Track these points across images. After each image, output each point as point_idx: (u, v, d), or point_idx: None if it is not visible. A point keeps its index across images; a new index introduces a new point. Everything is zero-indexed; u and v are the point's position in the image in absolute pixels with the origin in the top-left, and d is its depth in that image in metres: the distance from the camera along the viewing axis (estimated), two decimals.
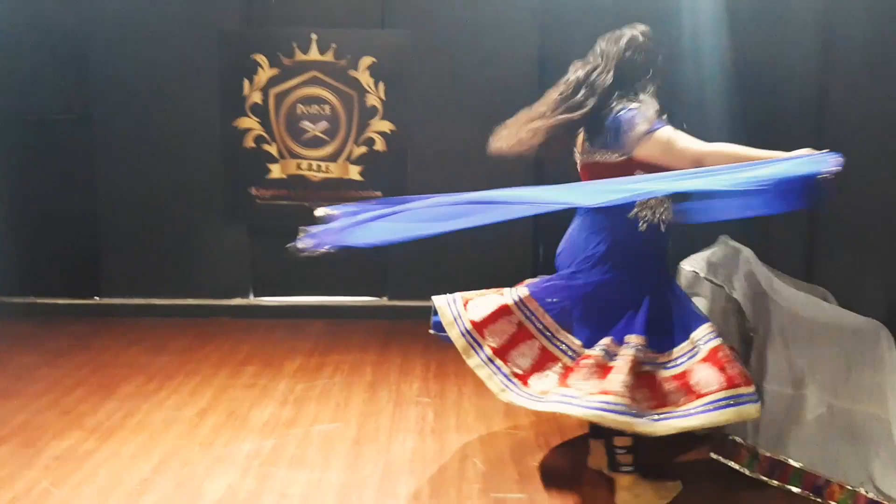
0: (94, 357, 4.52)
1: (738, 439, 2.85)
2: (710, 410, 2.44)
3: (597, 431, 2.95)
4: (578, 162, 2.89)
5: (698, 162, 2.50)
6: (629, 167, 2.64)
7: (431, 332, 2.92)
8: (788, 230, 5.10)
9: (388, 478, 3.03)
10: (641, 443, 2.71)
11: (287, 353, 4.65)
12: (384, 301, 5.63)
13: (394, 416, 3.68)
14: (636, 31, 2.79)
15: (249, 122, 5.37)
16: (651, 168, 2.60)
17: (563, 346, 2.73)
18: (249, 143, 5.39)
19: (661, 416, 2.48)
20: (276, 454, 3.23)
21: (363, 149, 5.40)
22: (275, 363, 4.46)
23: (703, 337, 2.60)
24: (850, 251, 5.09)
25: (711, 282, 3.03)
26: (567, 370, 2.67)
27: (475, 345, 2.76)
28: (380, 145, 5.40)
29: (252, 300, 5.62)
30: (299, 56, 5.30)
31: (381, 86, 5.33)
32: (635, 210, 2.68)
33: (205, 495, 2.86)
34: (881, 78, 4.83)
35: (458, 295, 2.91)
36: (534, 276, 3.02)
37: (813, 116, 4.78)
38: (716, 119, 5.08)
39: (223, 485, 2.94)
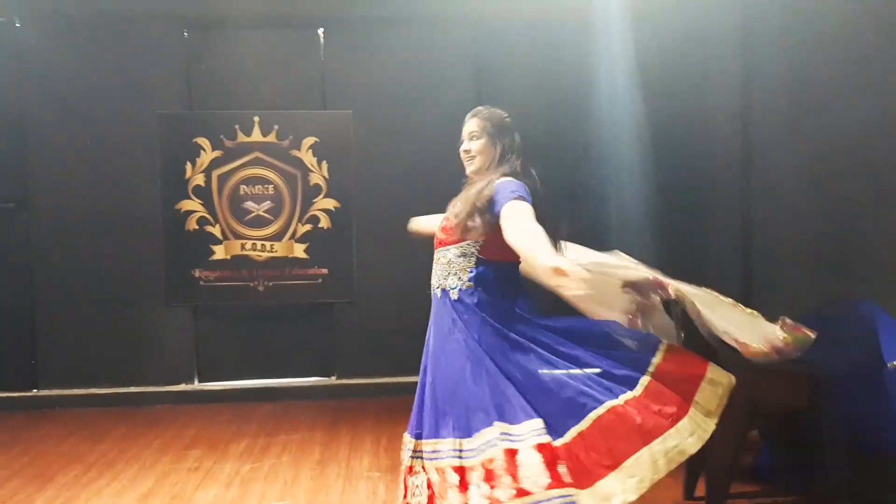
0: (29, 448, 4.34)
1: None
2: None
3: None
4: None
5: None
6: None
7: None
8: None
9: None
10: None
11: (233, 435, 4.53)
12: (332, 380, 5.55)
13: (344, 492, 3.60)
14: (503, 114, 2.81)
15: (192, 205, 5.36)
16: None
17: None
18: (192, 225, 5.37)
19: None
20: None
21: (308, 227, 5.43)
22: (220, 446, 4.33)
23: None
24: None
25: None
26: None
27: None
28: (325, 223, 5.43)
29: (197, 385, 5.49)
30: (242, 138, 5.37)
31: (325, 164, 5.41)
32: None
33: None
34: (803, 135, 5.06)
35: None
36: None
37: (738, 178, 4.95)
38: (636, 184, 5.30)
39: None
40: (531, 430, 2.34)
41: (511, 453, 2.31)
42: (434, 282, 2.64)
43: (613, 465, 2.35)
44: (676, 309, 2.80)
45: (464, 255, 2.56)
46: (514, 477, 2.29)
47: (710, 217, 5.22)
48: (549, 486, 2.28)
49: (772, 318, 2.58)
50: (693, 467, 3.26)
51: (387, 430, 4.52)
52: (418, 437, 2.53)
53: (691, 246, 5.34)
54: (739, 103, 4.83)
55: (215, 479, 3.79)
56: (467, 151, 2.73)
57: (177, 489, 3.66)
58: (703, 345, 2.69)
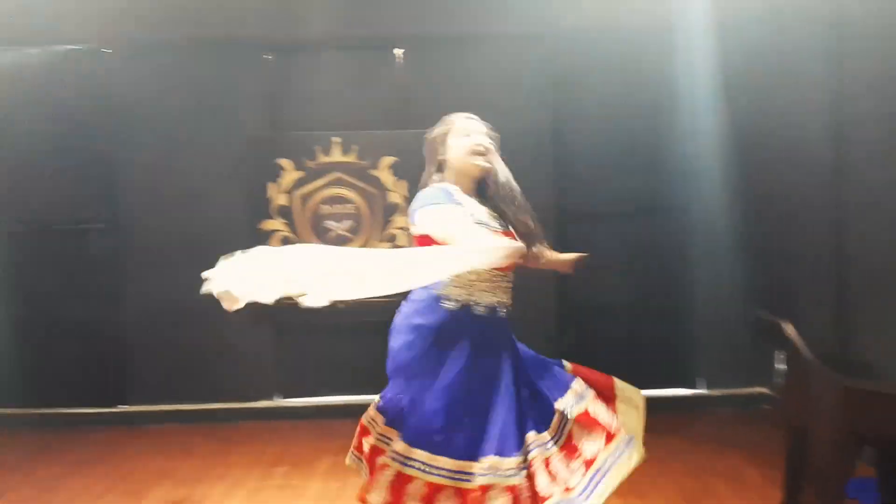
0: (120, 464, 4.44)
1: None
2: None
3: None
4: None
5: None
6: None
7: None
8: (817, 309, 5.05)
9: None
10: None
11: (317, 452, 4.57)
12: None
13: None
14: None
15: (275, 224, 5.45)
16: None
17: None
18: (275, 243, 5.44)
19: None
20: None
21: (387, 244, 5.45)
22: (305, 464, 4.37)
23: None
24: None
25: None
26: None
27: None
28: (402, 241, 5.45)
29: (278, 402, 5.55)
30: (323, 158, 5.44)
31: (403, 183, 5.43)
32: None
33: None
34: None
35: None
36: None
37: (831, 191, 4.78)
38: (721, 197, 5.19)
39: None
40: None
41: None
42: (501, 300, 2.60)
43: None
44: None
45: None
46: None
47: (801, 231, 5.05)
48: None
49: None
50: None
51: None
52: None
53: (780, 262, 5.18)
54: (832, 114, 4.67)
55: (304, 497, 3.80)
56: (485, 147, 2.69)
57: None
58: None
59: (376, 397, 2.79)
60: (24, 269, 5.44)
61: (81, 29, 5.37)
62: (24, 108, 5.41)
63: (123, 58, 5.43)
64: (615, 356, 5.49)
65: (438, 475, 2.44)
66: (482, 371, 2.53)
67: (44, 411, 5.40)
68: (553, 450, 2.49)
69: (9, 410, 5.36)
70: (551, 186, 5.48)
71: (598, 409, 2.56)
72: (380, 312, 5.39)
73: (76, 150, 5.44)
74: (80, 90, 5.44)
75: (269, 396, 5.56)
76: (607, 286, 5.50)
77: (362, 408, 5.38)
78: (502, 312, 2.60)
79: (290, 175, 5.45)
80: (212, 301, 2.49)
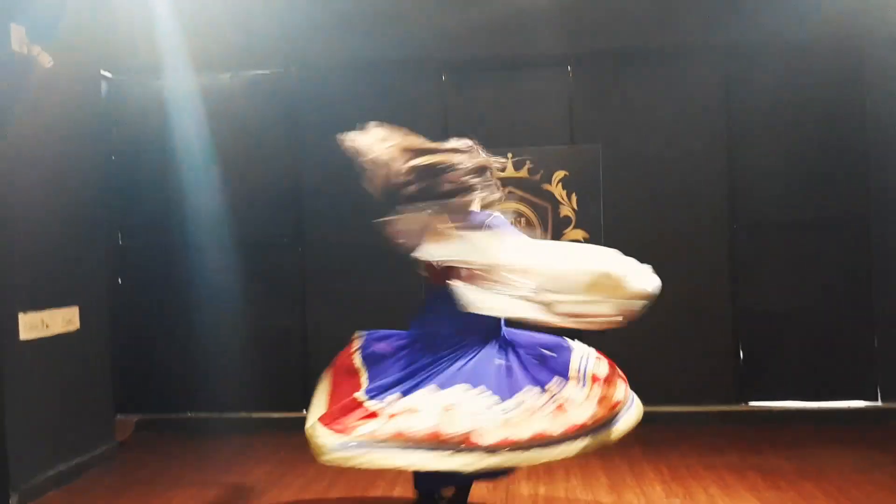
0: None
1: None
2: None
3: None
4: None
5: None
6: None
7: None
8: None
9: None
10: None
11: None
12: None
13: None
14: None
15: None
16: None
17: None
18: None
19: None
20: None
21: None
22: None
23: None
24: None
25: None
26: None
27: None
28: None
29: None
30: (496, 174, 5.62)
31: (574, 196, 5.58)
32: None
33: None
34: None
35: None
36: None
37: None
38: None
39: None
40: None
41: None
42: None
43: None
44: None
45: None
46: None
47: None
48: None
49: None
50: None
51: (657, 459, 4.60)
52: None
53: None
54: None
55: (521, 499, 3.97)
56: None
57: None
58: None
59: None
60: None
61: (268, 54, 5.73)
62: (216, 128, 5.78)
63: (308, 80, 5.75)
64: (791, 366, 5.53)
65: None
66: None
67: (240, 415, 5.74)
68: None
69: (213, 415, 5.72)
70: (725, 197, 5.54)
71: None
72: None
73: (266, 170, 5.77)
74: (268, 111, 5.78)
75: None
76: (782, 296, 5.52)
77: None
78: None
79: None
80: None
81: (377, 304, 5.70)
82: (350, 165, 5.69)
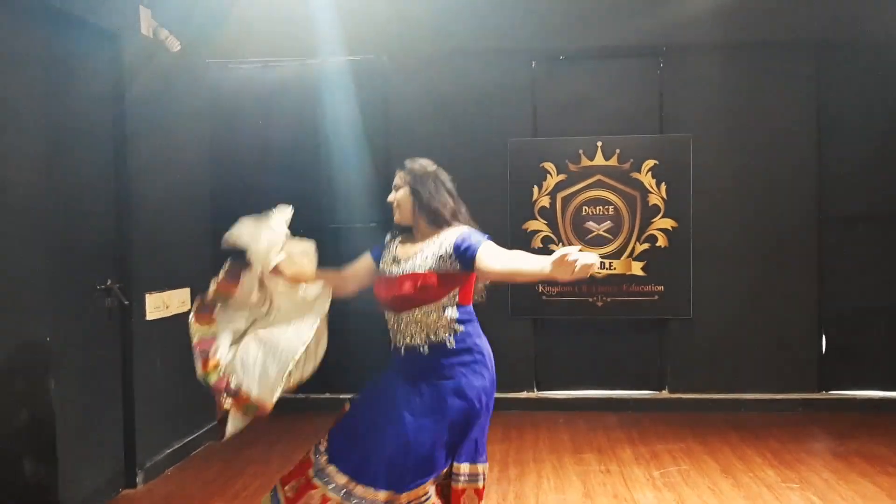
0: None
1: None
2: None
3: None
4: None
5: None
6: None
7: None
8: None
9: None
10: None
11: (609, 441, 4.82)
12: (664, 394, 5.75)
13: (780, 500, 3.77)
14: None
15: (538, 225, 5.74)
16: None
17: None
18: (537, 243, 5.75)
19: None
20: None
21: (645, 245, 5.67)
22: (608, 452, 4.62)
23: None
24: None
25: None
26: None
27: None
28: (662, 241, 5.66)
29: (536, 393, 5.84)
30: (585, 162, 5.70)
31: (663, 186, 5.65)
32: None
33: None
34: None
35: None
36: None
37: None
38: None
39: None
40: None
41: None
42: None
43: None
44: None
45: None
46: None
47: None
48: None
49: None
50: None
51: (757, 444, 4.70)
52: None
53: None
54: None
55: (636, 482, 4.06)
56: (391, 202, 3.00)
57: (608, 489, 3.95)
58: None
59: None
60: None
61: (360, 41, 5.77)
62: (308, 115, 5.84)
63: (400, 67, 5.80)
64: (873, 361, 5.61)
65: None
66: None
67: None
68: None
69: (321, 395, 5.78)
70: (813, 189, 5.60)
71: None
72: (635, 311, 5.69)
73: (354, 155, 5.82)
74: (360, 97, 5.82)
75: (527, 388, 5.85)
76: (869, 289, 5.60)
77: (614, 402, 5.65)
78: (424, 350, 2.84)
79: (553, 178, 5.72)
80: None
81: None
82: (439, 153, 5.79)
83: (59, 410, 3.46)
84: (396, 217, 3.03)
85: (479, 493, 2.80)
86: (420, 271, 2.89)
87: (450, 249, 2.88)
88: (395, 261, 2.97)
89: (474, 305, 2.99)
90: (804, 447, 4.68)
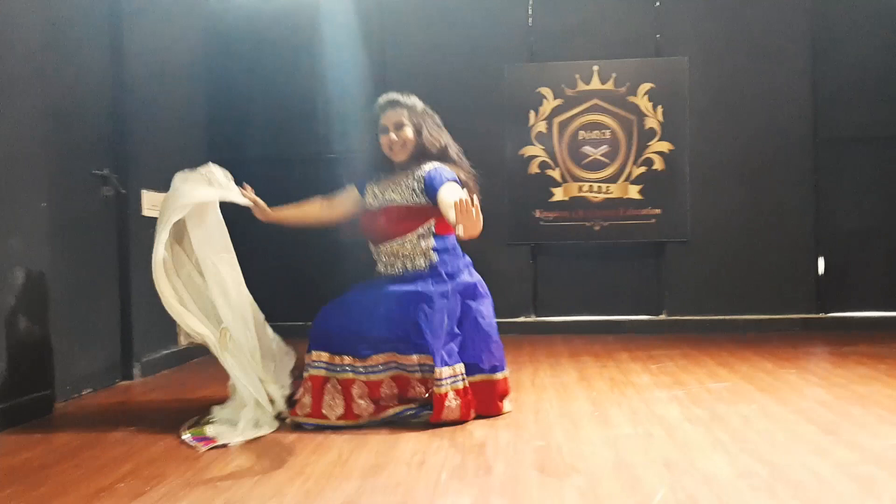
0: None
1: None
2: None
3: None
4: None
5: None
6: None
7: None
8: None
9: None
10: None
11: (608, 350, 4.81)
12: (662, 317, 5.75)
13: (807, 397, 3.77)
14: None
15: (534, 150, 5.76)
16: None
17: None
18: (534, 168, 5.76)
19: None
20: None
21: (642, 169, 5.69)
22: (603, 356, 4.61)
23: None
24: None
25: None
26: None
27: None
28: (658, 165, 5.67)
29: (534, 318, 5.84)
30: (582, 86, 5.72)
31: (660, 109, 5.66)
32: None
33: None
34: None
35: None
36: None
37: None
38: None
39: None
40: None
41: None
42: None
43: None
44: None
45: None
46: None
47: None
48: None
49: None
50: None
51: (755, 348, 4.70)
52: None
53: None
54: None
55: (632, 371, 4.05)
56: (395, 141, 3.09)
57: (604, 374, 3.94)
58: None
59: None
60: None
61: None
62: (303, 44, 5.87)
63: None
64: (872, 282, 5.61)
65: None
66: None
67: None
68: None
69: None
70: (809, 110, 5.61)
71: None
72: (633, 234, 5.69)
73: (350, 85, 5.84)
74: (356, 27, 5.84)
75: (525, 313, 5.84)
76: (867, 210, 5.60)
77: (611, 325, 5.65)
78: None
79: (550, 103, 5.74)
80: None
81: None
82: (436, 81, 5.82)
83: (55, 293, 3.44)
84: (399, 156, 3.14)
85: (442, 397, 2.89)
86: (394, 204, 3.08)
87: (420, 184, 3.05)
88: (374, 195, 3.16)
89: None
90: (802, 350, 4.68)
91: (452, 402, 2.89)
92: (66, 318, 3.54)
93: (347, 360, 2.93)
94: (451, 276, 3.10)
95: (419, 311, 2.94)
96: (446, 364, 2.93)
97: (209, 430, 2.83)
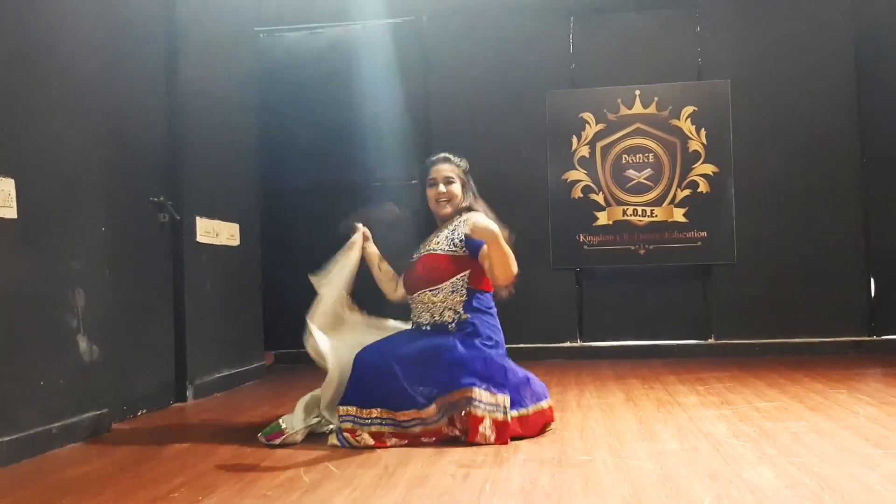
0: None
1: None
2: None
3: None
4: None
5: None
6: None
7: None
8: None
9: None
10: None
11: (655, 373, 4.78)
12: (710, 341, 5.70)
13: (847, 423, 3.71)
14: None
15: (577, 175, 5.80)
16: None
17: None
18: (577, 193, 5.80)
19: None
20: None
21: (687, 191, 5.68)
22: (650, 378, 4.59)
23: None
24: None
25: None
26: None
27: None
28: (703, 187, 5.66)
29: (579, 343, 5.83)
30: (624, 111, 5.76)
31: (703, 131, 5.66)
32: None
33: None
34: None
35: None
36: None
37: None
38: None
39: None
40: None
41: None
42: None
43: None
44: None
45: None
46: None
47: None
48: None
49: None
50: None
51: (805, 370, 4.62)
52: None
53: None
54: None
55: (679, 393, 4.02)
56: (442, 194, 3.18)
57: (651, 395, 3.92)
58: None
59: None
60: None
61: (400, 3, 5.97)
62: (351, 77, 6.03)
63: (440, 26, 5.97)
64: None
65: None
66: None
67: None
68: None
69: None
70: (855, 129, 5.56)
71: None
72: (678, 257, 5.66)
73: (394, 115, 5.97)
74: (400, 58, 6.00)
75: (570, 338, 5.84)
76: None
77: (660, 350, 5.60)
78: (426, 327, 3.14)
79: (592, 128, 5.79)
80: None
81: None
82: (479, 109, 5.92)
83: (113, 316, 3.56)
84: (444, 209, 3.23)
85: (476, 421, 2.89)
86: (432, 252, 3.14)
87: (461, 235, 3.08)
88: (418, 251, 3.25)
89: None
90: (853, 371, 4.59)
91: (488, 431, 2.87)
92: (123, 340, 3.67)
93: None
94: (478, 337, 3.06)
95: (443, 353, 2.97)
96: (488, 390, 2.93)
97: (282, 422, 3.01)
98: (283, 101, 6.05)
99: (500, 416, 2.90)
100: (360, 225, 3.37)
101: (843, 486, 2.17)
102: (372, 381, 2.92)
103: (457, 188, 3.21)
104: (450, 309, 3.10)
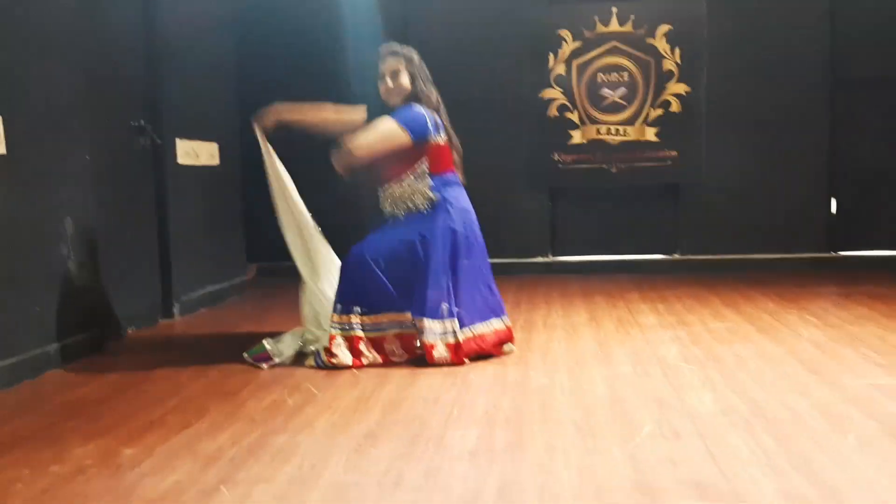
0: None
1: None
2: None
3: None
4: None
5: None
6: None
7: None
8: None
9: None
10: None
11: (621, 289, 5.02)
12: (675, 257, 5.93)
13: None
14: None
15: (553, 93, 5.87)
16: None
17: None
18: (553, 111, 5.89)
19: None
20: None
21: (659, 111, 5.79)
22: (615, 294, 4.83)
23: None
24: None
25: None
26: None
27: None
28: (675, 107, 5.77)
29: (551, 258, 6.05)
30: (600, 28, 5.78)
31: (678, 51, 5.72)
32: None
33: None
34: None
35: None
36: None
37: None
38: None
39: None
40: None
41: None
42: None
43: None
44: None
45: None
46: None
47: None
48: None
49: None
50: None
51: (762, 288, 4.88)
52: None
53: None
54: None
55: (640, 312, 4.26)
56: (390, 88, 3.30)
57: (612, 315, 4.16)
58: None
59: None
60: None
61: None
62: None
63: None
64: (884, 222, 5.72)
65: None
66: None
67: None
68: None
69: None
70: (827, 51, 5.64)
71: None
72: (649, 176, 5.82)
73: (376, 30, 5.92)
74: None
75: (542, 253, 6.05)
76: (881, 152, 5.68)
77: (627, 265, 5.83)
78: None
79: (569, 45, 5.82)
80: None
81: (483, 159, 5.94)
82: (456, 23, 5.90)
83: (100, 240, 3.70)
84: (394, 101, 3.34)
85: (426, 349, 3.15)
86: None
87: None
88: None
89: None
90: (808, 290, 4.85)
91: (444, 353, 3.12)
92: (111, 262, 3.82)
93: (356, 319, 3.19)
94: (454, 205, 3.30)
95: (416, 259, 3.20)
96: (437, 319, 3.15)
97: (266, 344, 3.25)
98: (262, 19, 5.98)
99: (451, 340, 3.15)
100: (253, 122, 3.51)
101: (773, 413, 2.42)
102: (358, 283, 3.20)
103: (404, 79, 3.33)
104: (420, 195, 3.29)
